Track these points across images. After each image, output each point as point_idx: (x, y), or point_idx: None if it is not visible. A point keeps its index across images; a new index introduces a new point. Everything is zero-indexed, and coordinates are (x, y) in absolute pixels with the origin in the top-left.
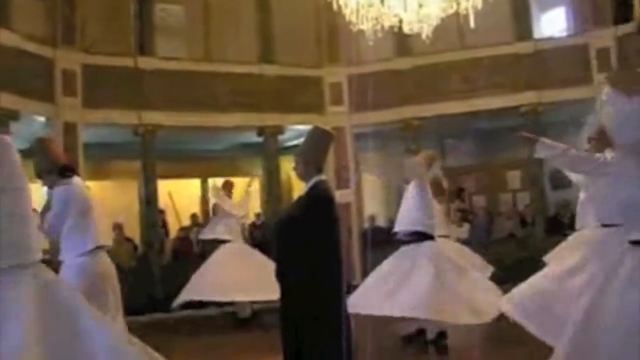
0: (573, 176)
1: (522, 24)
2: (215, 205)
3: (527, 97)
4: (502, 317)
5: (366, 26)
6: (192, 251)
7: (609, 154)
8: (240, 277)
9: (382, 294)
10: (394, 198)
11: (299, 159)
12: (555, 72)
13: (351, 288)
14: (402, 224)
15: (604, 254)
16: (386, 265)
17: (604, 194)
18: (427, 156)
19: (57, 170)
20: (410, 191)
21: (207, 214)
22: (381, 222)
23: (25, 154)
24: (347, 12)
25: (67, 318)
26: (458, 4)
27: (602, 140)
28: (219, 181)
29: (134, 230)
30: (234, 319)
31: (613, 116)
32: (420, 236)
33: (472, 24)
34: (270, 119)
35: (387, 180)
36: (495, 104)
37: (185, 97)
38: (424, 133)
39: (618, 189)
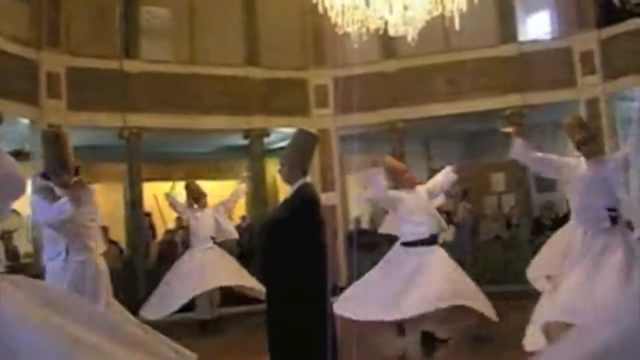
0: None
1: (507, 26)
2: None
3: (511, 100)
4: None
5: (352, 29)
6: (177, 254)
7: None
8: (214, 267)
9: (389, 296)
10: None
11: (285, 162)
12: (539, 75)
13: (337, 290)
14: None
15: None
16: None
17: None
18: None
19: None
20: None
21: None
22: (367, 224)
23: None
24: (332, 14)
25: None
26: (443, 6)
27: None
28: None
29: (119, 234)
30: (201, 323)
31: None
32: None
33: (457, 26)
34: (255, 122)
35: None
36: (481, 106)
37: (171, 99)
38: (410, 135)
39: None
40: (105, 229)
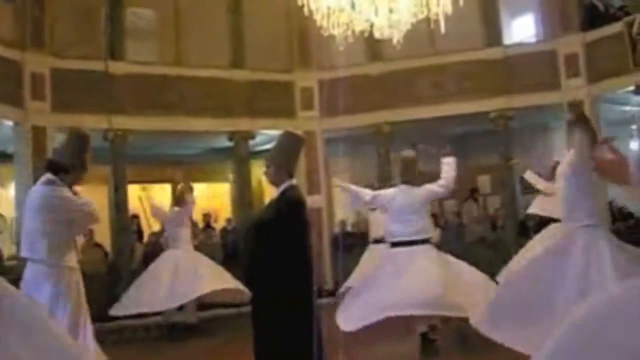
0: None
1: (492, 30)
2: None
3: (496, 103)
4: None
5: (337, 31)
6: None
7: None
8: (192, 276)
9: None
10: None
11: (270, 164)
12: (524, 78)
13: (322, 292)
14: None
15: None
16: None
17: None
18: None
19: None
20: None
21: None
22: (352, 227)
23: None
24: (318, 17)
25: None
26: (429, 9)
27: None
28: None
29: (104, 236)
30: (185, 326)
31: None
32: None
33: (442, 29)
34: (241, 124)
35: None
36: (466, 109)
37: (156, 101)
38: (395, 138)
39: None
40: (90, 232)
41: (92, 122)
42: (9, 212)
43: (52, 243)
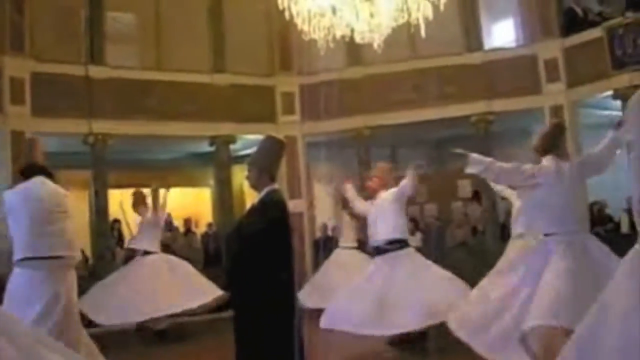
0: (498, 187)
1: (472, 34)
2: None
3: (477, 107)
4: None
5: (318, 36)
6: None
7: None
8: (168, 290)
9: (368, 310)
10: None
11: (252, 168)
12: (504, 82)
13: None
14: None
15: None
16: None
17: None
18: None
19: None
20: (385, 204)
21: None
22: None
23: None
24: (299, 21)
25: None
26: (409, 14)
27: (539, 149)
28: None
29: (85, 241)
30: (156, 332)
31: None
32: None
33: (423, 34)
34: (222, 128)
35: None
36: (446, 114)
37: (137, 105)
38: (376, 142)
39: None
40: None
41: (72, 127)
42: None
43: None
